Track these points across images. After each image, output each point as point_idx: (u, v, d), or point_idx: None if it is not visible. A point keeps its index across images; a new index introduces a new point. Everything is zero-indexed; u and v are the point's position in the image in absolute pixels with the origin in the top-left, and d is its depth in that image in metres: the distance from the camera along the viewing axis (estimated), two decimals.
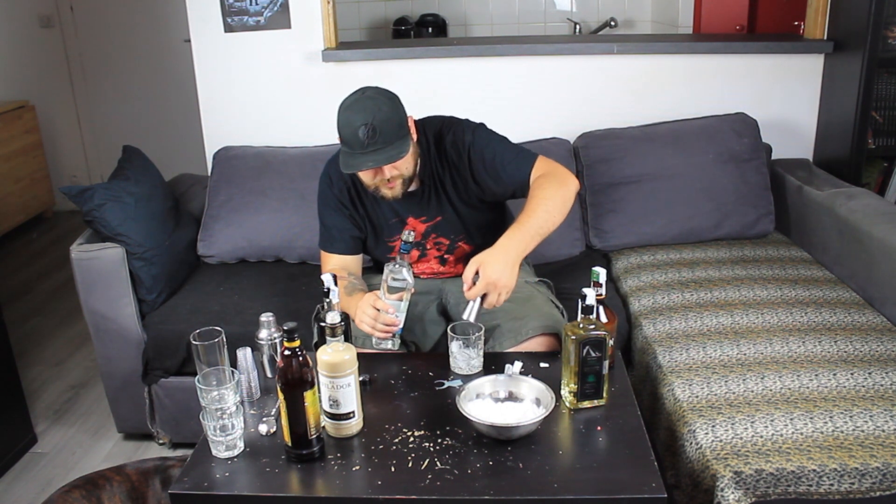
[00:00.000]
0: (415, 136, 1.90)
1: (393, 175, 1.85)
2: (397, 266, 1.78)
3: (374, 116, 1.76)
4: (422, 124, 1.98)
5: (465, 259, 2.01)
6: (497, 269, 1.69)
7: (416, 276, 2.10)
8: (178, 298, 2.43)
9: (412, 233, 1.85)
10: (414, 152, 1.88)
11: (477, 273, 1.70)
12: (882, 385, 1.74)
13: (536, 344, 1.86)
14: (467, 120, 2.01)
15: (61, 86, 4.91)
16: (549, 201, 1.79)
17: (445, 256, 2.08)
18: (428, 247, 2.05)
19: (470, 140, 1.94)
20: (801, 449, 1.55)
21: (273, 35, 2.87)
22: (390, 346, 1.84)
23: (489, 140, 1.95)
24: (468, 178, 1.95)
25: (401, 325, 1.81)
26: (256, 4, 2.83)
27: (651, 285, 2.34)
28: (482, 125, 1.99)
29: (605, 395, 1.60)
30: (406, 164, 1.86)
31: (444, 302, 2.10)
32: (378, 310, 1.76)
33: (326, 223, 2.05)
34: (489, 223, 2.05)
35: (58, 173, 5.00)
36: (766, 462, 1.53)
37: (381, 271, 1.91)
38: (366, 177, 1.88)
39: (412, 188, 1.96)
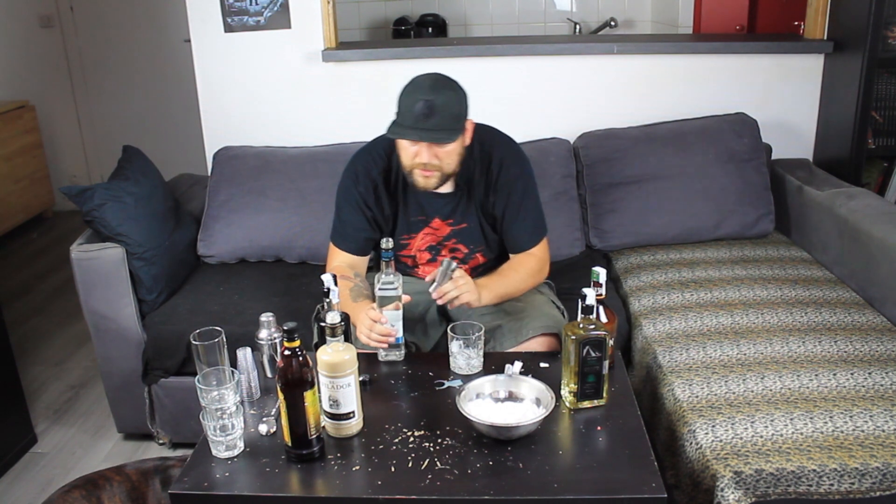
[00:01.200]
0: (468, 141, 1.89)
1: (432, 164, 1.83)
2: (385, 276, 1.76)
3: (436, 97, 1.76)
4: (476, 129, 1.96)
5: (476, 270, 2.05)
6: (474, 294, 1.82)
7: (420, 278, 2.10)
8: (178, 298, 2.43)
9: (390, 240, 1.78)
10: (460, 152, 1.88)
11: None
12: (882, 385, 1.74)
13: (537, 344, 1.87)
14: (521, 149, 2.03)
15: (61, 86, 4.90)
16: (522, 283, 1.99)
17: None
18: (443, 252, 2.05)
19: (516, 174, 1.97)
20: (801, 449, 1.55)
21: (273, 35, 2.87)
22: (395, 356, 1.83)
23: (527, 190, 2.00)
24: (489, 198, 1.98)
25: (398, 335, 1.79)
26: (256, 4, 2.83)
27: (651, 285, 2.34)
28: (530, 167, 2.02)
29: (605, 395, 1.60)
30: (448, 159, 1.85)
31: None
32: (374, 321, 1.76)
33: (343, 218, 2.03)
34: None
35: (58, 173, 4.99)
36: (766, 462, 1.53)
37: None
38: (406, 155, 1.86)
39: (446, 190, 1.96)
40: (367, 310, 1.75)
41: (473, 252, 2.05)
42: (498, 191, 1.97)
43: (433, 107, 1.75)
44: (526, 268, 1.99)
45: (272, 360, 1.73)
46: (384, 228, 2.03)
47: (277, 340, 1.72)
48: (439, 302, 1.81)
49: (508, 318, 1.92)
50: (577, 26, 4.57)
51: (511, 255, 2.05)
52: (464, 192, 1.99)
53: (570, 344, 1.56)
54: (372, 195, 1.99)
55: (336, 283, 1.74)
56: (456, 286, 1.79)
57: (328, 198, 2.60)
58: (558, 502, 1.35)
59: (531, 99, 2.93)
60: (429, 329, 2.05)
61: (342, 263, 2.01)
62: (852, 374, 1.78)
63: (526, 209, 1.99)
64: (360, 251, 2.04)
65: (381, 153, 1.99)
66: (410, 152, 1.84)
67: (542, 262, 2.02)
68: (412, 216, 2.01)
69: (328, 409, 1.50)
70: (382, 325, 1.74)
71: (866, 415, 1.64)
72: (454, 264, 1.82)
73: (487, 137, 2.00)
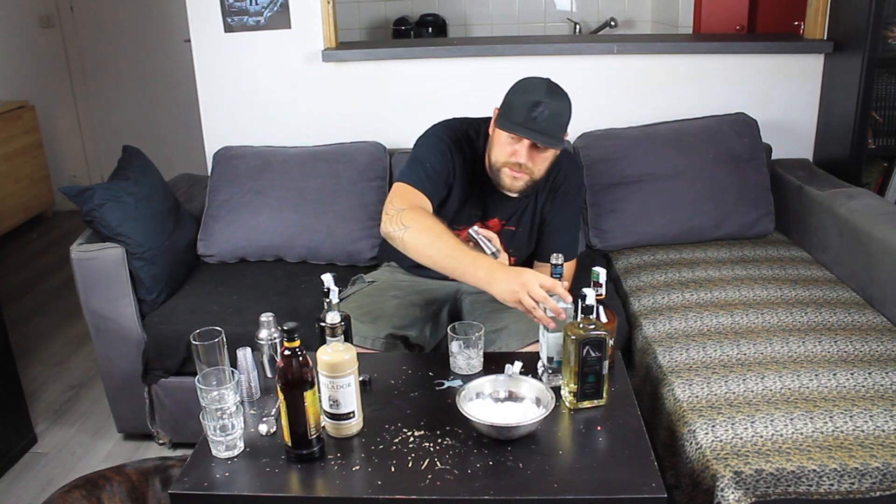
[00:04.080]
0: (558, 151, 1.89)
1: (527, 167, 1.83)
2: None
3: (551, 101, 1.76)
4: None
5: None
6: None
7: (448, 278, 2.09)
8: (178, 298, 2.43)
9: (560, 255, 1.66)
10: (552, 161, 1.88)
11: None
12: (882, 385, 1.74)
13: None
14: (582, 167, 2.04)
15: (61, 86, 4.91)
16: None
17: None
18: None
19: (575, 190, 2.01)
20: (801, 449, 1.55)
21: (273, 35, 2.87)
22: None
23: (576, 209, 2.04)
24: (547, 205, 2.00)
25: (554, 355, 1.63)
26: (256, 4, 2.83)
27: (651, 285, 2.34)
28: (585, 187, 2.03)
29: (605, 395, 1.60)
30: (541, 165, 1.85)
31: (459, 301, 2.10)
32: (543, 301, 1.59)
33: (428, 164, 1.88)
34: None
35: (58, 173, 4.99)
36: (766, 462, 1.53)
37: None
38: (502, 152, 1.83)
39: (511, 193, 1.95)
40: (545, 280, 1.58)
41: (511, 255, 2.05)
42: (556, 199, 1.99)
43: (547, 110, 1.75)
44: None
45: (272, 360, 1.73)
46: (447, 198, 1.96)
47: (277, 340, 1.72)
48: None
49: (515, 320, 1.92)
50: (577, 26, 4.58)
51: (536, 264, 2.05)
52: (528, 198, 1.99)
53: (570, 344, 1.56)
54: (458, 169, 1.94)
55: (335, 284, 1.73)
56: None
57: (328, 197, 2.63)
58: (558, 502, 1.35)
59: None
60: (438, 329, 2.05)
61: (414, 200, 1.81)
62: (852, 374, 1.78)
63: (568, 225, 2.02)
64: (435, 198, 1.87)
65: (471, 139, 1.96)
66: (508, 150, 1.82)
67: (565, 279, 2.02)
68: (471, 209, 2.00)
69: (328, 409, 1.50)
70: (555, 303, 1.58)
71: (866, 415, 1.64)
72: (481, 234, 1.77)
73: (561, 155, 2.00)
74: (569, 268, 2.03)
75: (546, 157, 1.84)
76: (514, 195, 1.94)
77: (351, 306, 1.98)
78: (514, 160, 1.82)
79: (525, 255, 2.08)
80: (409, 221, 1.72)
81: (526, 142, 1.79)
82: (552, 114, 1.76)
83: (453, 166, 1.93)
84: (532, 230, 2.03)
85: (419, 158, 1.90)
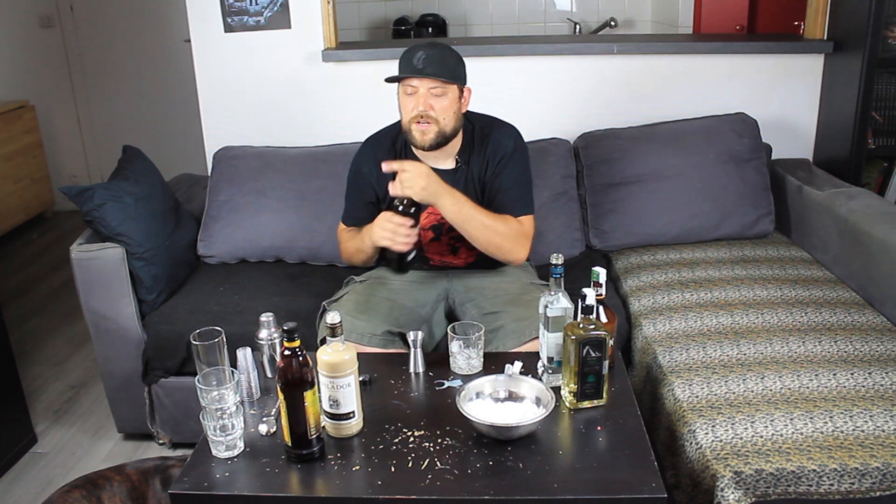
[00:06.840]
0: (465, 107, 1.98)
1: (429, 114, 1.89)
2: (552, 294, 1.66)
3: (431, 49, 1.88)
4: (474, 114, 2.08)
5: (474, 249, 2.05)
6: (421, 184, 1.83)
7: (428, 264, 2.14)
8: (178, 298, 2.43)
9: (560, 256, 1.69)
10: (455, 111, 1.94)
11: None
12: (882, 385, 1.74)
13: (539, 345, 1.86)
14: (520, 134, 2.10)
15: (61, 86, 4.90)
16: (495, 231, 1.95)
17: (457, 245, 2.09)
18: (445, 229, 2.07)
19: (510, 148, 2.04)
20: (801, 449, 1.55)
21: (273, 35, 2.87)
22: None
23: (519, 165, 2.05)
24: (487, 172, 2.04)
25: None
26: (256, 4, 2.83)
27: (651, 285, 2.34)
28: (526, 151, 2.09)
29: (605, 395, 1.60)
30: (444, 114, 1.91)
31: (451, 301, 2.10)
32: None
33: (353, 200, 2.15)
34: None
35: (58, 173, 5.00)
36: (766, 462, 1.53)
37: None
38: (405, 112, 1.93)
39: (446, 166, 2.01)
40: (388, 215, 1.85)
41: None
42: (496, 164, 2.03)
43: (429, 56, 1.86)
44: (508, 224, 1.98)
45: (272, 360, 1.73)
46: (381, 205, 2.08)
47: (277, 340, 1.72)
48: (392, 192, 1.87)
49: (511, 320, 1.93)
50: (577, 26, 4.58)
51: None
52: (463, 170, 2.03)
53: (570, 344, 1.56)
54: (376, 175, 2.04)
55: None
56: (402, 166, 1.84)
57: (328, 198, 2.62)
58: (558, 502, 1.36)
59: (531, 99, 2.93)
60: (434, 329, 2.05)
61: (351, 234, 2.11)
62: (852, 374, 1.79)
63: (516, 182, 2.03)
64: (368, 218, 2.06)
65: (387, 138, 2.09)
66: (409, 107, 1.91)
67: (523, 234, 2.01)
68: None
69: (328, 409, 1.50)
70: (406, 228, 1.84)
71: (866, 415, 1.64)
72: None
73: (489, 121, 2.09)
74: (527, 222, 2.03)
75: (446, 107, 1.90)
76: (447, 167, 2.01)
77: (347, 306, 1.99)
78: (415, 113, 1.90)
79: None
80: (342, 251, 2.18)
81: (420, 90, 1.88)
82: (433, 55, 1.87)
83: (374, 185, 2.08)
84: (480, 202, 2.03)
85: (348, 197, 2.17)
